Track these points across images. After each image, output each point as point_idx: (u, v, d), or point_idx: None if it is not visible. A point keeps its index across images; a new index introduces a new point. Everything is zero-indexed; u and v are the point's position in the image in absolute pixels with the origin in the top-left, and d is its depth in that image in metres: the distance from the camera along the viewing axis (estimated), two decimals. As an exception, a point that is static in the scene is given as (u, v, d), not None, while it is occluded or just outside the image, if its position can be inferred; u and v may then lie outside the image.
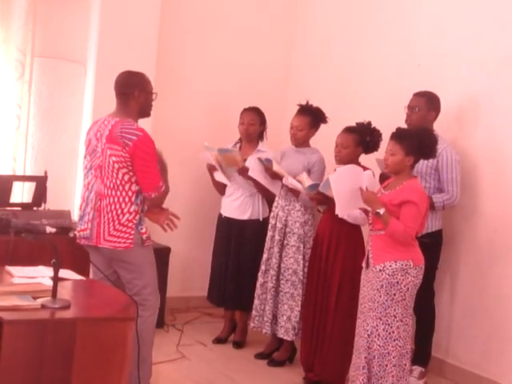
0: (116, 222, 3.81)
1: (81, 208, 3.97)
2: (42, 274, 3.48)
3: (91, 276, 4.01)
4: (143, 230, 3.87)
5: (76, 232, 4.02)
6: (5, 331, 2.80)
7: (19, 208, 4.81)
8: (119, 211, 3.81)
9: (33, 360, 2.85)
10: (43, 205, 4.87)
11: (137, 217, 3.84)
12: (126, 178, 3.81)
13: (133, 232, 3.83)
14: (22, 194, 5.30)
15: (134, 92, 3.91)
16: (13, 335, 2.82)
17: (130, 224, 3.82)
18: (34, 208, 4.86)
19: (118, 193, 3.81)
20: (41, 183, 4.89)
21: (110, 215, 3.81)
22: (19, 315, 2.91)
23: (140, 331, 3.81)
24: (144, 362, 3.88)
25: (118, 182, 3.80)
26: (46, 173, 4.93)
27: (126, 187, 3.82)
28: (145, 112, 3.99)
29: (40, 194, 4.87)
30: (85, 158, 3.99)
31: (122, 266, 3.90)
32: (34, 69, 5.43)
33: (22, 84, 5.37)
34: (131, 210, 3.83)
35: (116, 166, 3.78)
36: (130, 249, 3.83)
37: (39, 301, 3.04)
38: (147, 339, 3.94)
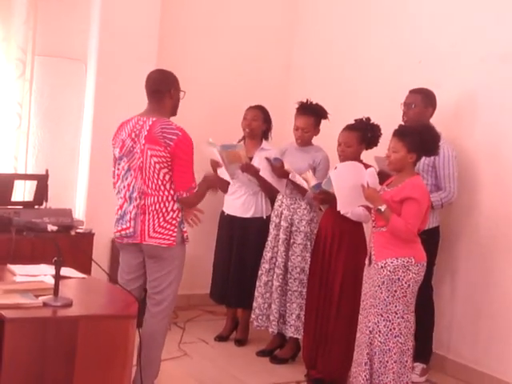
0: (161, 219, 3.83)
1: (121, 208, 3.93)
2: (43, 273, 3.50)
3: (119, 277, 4.02)
4: (184, 229, 3.91)
5: (114, 232, 3.99)
6: (7, 329, 2.80)
7: (21, 206, 4.82)
8: (164, 209, 3.83)
9: (35, 358, 2.86)
10: (44, 203, 4.88)
11: (180, 215, 3.87)
12: (167, 177, 3.82)
13: (176, 230, 3.85)
14: (23, 192, 5.31)
15: (170, 90, 3.91)
16: (15, 333, 2.83)
17: (174, 222, 3.85)
18: (36, 206, 4.87)
19: (161, 192, 3.82)
20: (42, 182, 4.90)
21: (155, 212, 3.82)
22: (21, 313, 2.92)
23: (152, 333, 3.85)
24: (152, 362, 3.90)
25: (160, 182, 3.82)
26: (47, 171, 4.93)
27: (168, 186, 3.83)
28: (174, 111, 4.00)
29: (41, 193, 4.87)
30: (120, 159, 3.94)
31: (158, 263, 3.89)
32: (34, 67, 5.44)
33: (22, 82, 5.38)
34: (174, 208, 3.85)
35: (157, 166, 3.79)
36: (173, 246, 3.85)
37: (41, 299, 3.05)
38: (159, 341, 3.97)
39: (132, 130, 3.87)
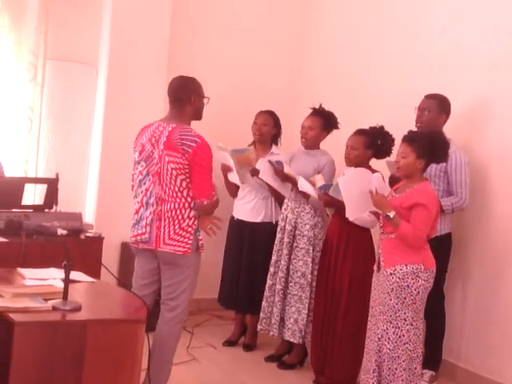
0: (177, 226, 3.83)
1: (137, 213, 3.94)
2: (53, 276, 3.50)
3: (135, 280, 4.03)
4: (200, 237, 3.91)
5: (130, 237, 4.00)
6: (16, 333, 2.81)
7: (31, 210, 4.81)
8: (180, 216, 3.83)
9: (44, 361, 2.86)
10: (54, 207, 4.88)
11: (196, 222, 3.87)
12: (184, 184, 3.83)
13: (191, 237, 3.85)
14: (33, 196, 5.33)
15: (190, 97, 3.93)
16: (24, 337, 2.83)
17: (190, 229, 3.85)
18: (46, 210, 4.86)
19: (178, 199, 3.83)
20: (52, 185, 4.90)
21: (170, 219, 3.83)
22: (30, 317, 2.92)
23: (165, 338, 3.86)
24: (164, 367, 3.90)
25: (177, 189, 3.82)
26: (57, 175, 4.93)
27: (185, 193, 3.84)
28: (198, 116, 4.02)
29: (51, 196, 4.87)
30: (138, 163, 3.96)
31: (172, 269, 3.89)
32: (46, 71, 5.46)
33: (34, 86, 5.41)
34: (191, 215, 3.85)
35: (174, 172, 3.80)
36: (188, 253, 3.84)
37: (50, 303, 3.05)
38: (171, 346, 3.96)
39: (152, 135, 3.88)
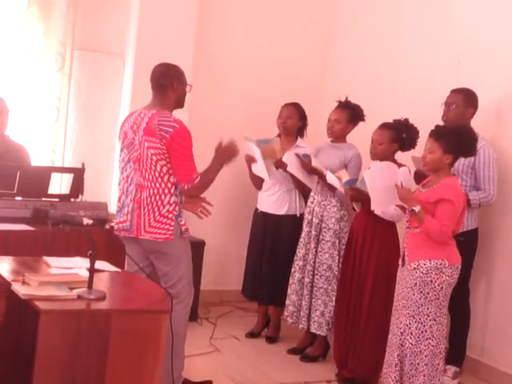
0: (156, 214, 3.83)
1: (119, 200, 3.98)
2: (78, 265, 3.52)
3: (126, 268, 4.04)
4: (182, 222, 3.90)
5: (114, 224, 4.04)
6: (41, 321, 2.83)
7: (57, 199, 4.85)
8: (159, 202, 3.83)
9: (68, 349, 2.88)
10: (80, 196, 4.91)
11: (176, 208, 3.86)
12: (165, 169, 3.83)
13: (173, 223, 3.84)
14: (60, 185, 5.37)
15: (172, 84, 3.94)
16: (49, 325, 2.85)
17: (170, 215, 3.84)
18: (72, 199, 4.90)
19: (158, 184, 3.83)
20: (78, 175, 4.93)
21: (150, 206, 3.83)
22: (55, 305, 2.94)
23: (173, 324, 3.83)
24: (177, 354, 3.90)
25: (157, 174, 3.83)
26: (83, 165, 4.96)
27: (165, 179, 3.83)
28: (181, 103, 4.03)
29: (77, 186, 4.90)
30: (121, 150, 4.01)
31: (160, 258, 3.91)
32: (73, 61, 5.50)
33: (61, 76, 5.45)
34: (171, 201, 3.85)
35: (154, 158, 3.81)
36: (169, 240, 3.84)
37: (75, 291, 3.07)
38: (180, 332, 3.95)
39: (134, 122, 3.91)
